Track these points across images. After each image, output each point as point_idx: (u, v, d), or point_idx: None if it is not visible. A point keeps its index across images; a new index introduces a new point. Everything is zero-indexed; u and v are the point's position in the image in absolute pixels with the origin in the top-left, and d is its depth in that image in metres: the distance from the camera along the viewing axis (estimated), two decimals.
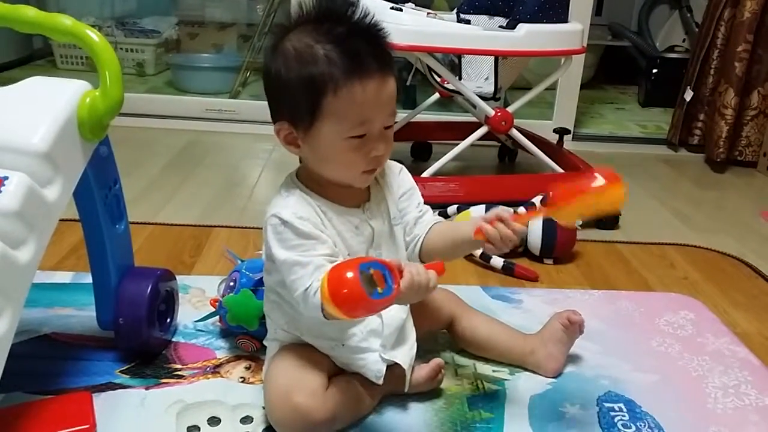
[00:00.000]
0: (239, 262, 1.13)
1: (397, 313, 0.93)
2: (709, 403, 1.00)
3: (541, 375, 1.04)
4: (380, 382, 0.90)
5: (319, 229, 0.85)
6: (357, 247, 0.90)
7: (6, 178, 0.76)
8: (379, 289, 0.73)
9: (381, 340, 0.91)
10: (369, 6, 0.86)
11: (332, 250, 0.85)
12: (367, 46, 0.82)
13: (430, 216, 0.98)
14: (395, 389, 0.94)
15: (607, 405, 0.98)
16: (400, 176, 0.97)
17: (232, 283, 1.08)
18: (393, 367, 0.92)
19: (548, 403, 0.98)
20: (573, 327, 1.04)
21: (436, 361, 0.97)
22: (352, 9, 0.84)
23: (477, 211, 1.47)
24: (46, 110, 0.83)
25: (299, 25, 0.84)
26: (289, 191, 0.88)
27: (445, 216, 1.50)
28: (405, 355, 0.93)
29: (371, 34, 0.83)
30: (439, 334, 1.10)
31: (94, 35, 0.86)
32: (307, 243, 0.83)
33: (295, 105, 0.84)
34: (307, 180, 0.89)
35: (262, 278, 1.04)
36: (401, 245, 0.95)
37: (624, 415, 0.96)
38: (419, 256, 0.96)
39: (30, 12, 0.86)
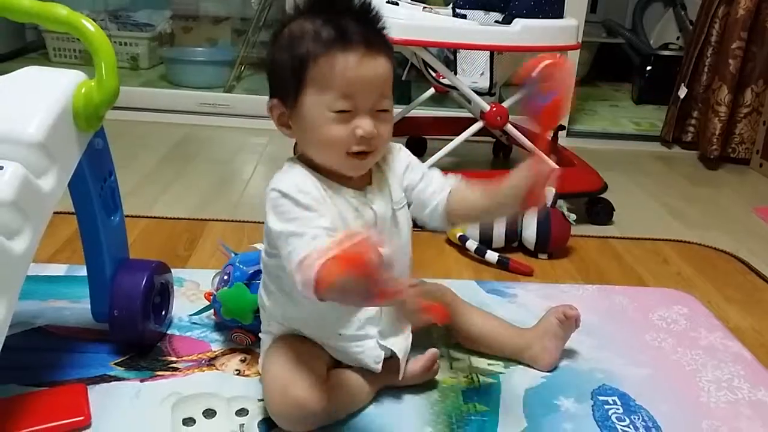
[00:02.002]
0: (233, 255, 1.13)
1: None
2: (702, 397, 1.01)
3: (536, 369, 1.04)
4: (378, 368, 0.91)
5: (320, 203, 0.84)
6: (357, 229, 0.87)
7: (0, 168, 0.76)
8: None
9: (378, 327, 0.91)
10: None
11: (332, 224, 0.82)
12: (357, 25, 0.82)
13: (439, 180, 0.95)
14: (391, 382, 0.95)
15: (601, 398, 0.99)
16: (399, 155, 0.95)
17: (226, 277, 1.07)
18: (389, 360, 0.92)
19: (543, 396, 0.98)
20: (569, 321, 1.04)
21: (430, 352, 0.97)
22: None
23: None
24: (41, 100, 0.82)
25: (298, 16, 0.85)
26: (291, 167, 0.87)
27: None
28: (401, 344, 0.94)
29: (365, 17, 0.84)
30: (433, 328, 1.10)
31: (89, 25, 0.85)
32: (307, 214, 0.81)
33: (283, 81, 0.85)
34: (308, 161, 0.88)
35: (255, 272, 1.04)
36: (404, 230, 0.94)
37: (618, 409, 0.97)
38: (447, 220, 0.94)
39: (25, 1, 0.86)
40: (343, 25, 0.82)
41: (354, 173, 0.88)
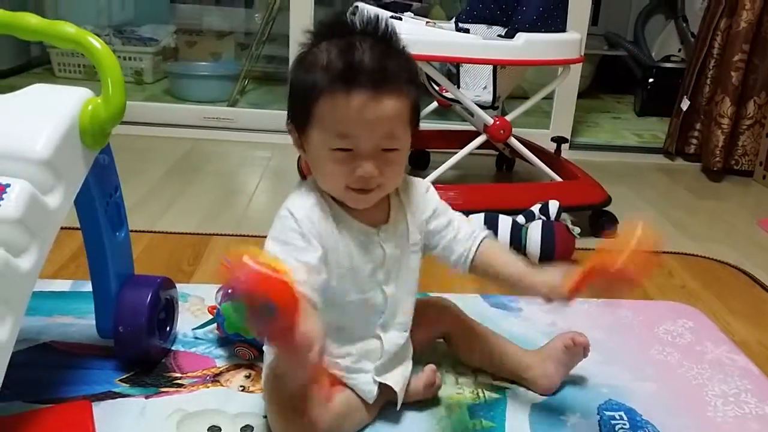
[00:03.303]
0: None
1: (396, 339, 0.92)
2: (709, 412, 1.01)
3: (533, 391, 1.02)
4: (371, 402, 0.90)
5: (327, 235, 0.84)
6: (362, 266, 0.87)
7: (8, 185, 0.76)
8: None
9: (374, 363, 0.91)
10: (370, 15, 0.86)
11: (317, 263, 0.82)
12: (370, 58, 0.79)
13: (467, 228, 0.94)
14: (394, 400, 0.94)
15: (607, 413, 0.98)
16: (426, 197, 0.94)
17: (230, 291, 1.07)
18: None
19: (549, 412, 0.98)
20: (576, 349, 1.02)
21: (429, 367, 0.96)
22: (372, 21, 0.83)
23: (476, 219, 1.47)
24: (48, 118, 0.83)
25: (322, 39, 0.84)
26: (310, 191, 0.86)
27: None
28: (398, 376, 0.93)
29: (382, 46, 0.82)
30: (438, 344, 1.10)
31: (96, 42, 0.86)
32: (299, 244, 0.82)
33: (296, 108, 0.85)
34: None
35: None
36: (413, 271, 0.93)
37: (624, 424, 0.96)
38: (470, 270, 0.94)
39: (32, 19, 0.86)
40: (353, 60, 0.79)
41: (356, 206, 0.86)
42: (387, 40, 0.83)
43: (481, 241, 0.94)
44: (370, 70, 0.79)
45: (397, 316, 0.92)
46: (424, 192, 0.94)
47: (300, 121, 0.84)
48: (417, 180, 0.95)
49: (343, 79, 0.79)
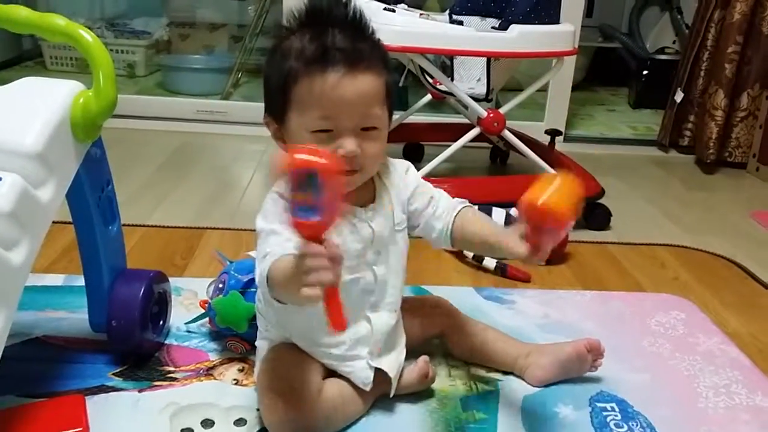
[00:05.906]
0: (228, 263, 1.13)
1: (386, 320, 0.93)
2: (700, 403, 1.01)
3: (524, 381, 1.02)
4: (368, 388, 0.91)
5: None
6: (352, 245, 0.88)
7: None
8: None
9: (368, 348, 0.91)
10: (362, 6, 0.86)
11: None
12: (343, 41, 0.81)
13: (446, 203, 0.95)
14: (388, 391, 0.94)
15: (599, 405, 0.99)
16: (406, 177, 0.95)
17: (221, 285, 1.07)
18: (384, 371, 0.92)
19: (541, 403, 0.98)
20: (587, 357, 1.01)
21: (422, 359, 0.97)
22: (341, 7, 0.84)
23: None
24: (39, 111, 0.82)
25: (292, 32, 0.85)
26: None
27: None
28: (392, 362, 0.93)
29: (354, 31, 0.83)
30: (430, 339, 1.09)
31: (87, 35, 0.86)
32: None
33: (272, 98, 0.86)
34: None
35: (250, 280, 1.04)
36: (400, 252, 0.94)
37: (616, 415, 0.97)
38: (452, 244, 0.94)
39: (23, 12, 0.86)
40: (326, 43, 0.81)
41: None
42: (357, 24, 0.85)
43: (457, 214, 0.94)
44: (344, 50, 0.81)
45: (387, 296, 0.93)
46: (404, 172, 0.95)
47: (278, 110, 0.85)
48: (398, 161, 0.96)
49: (319, 61, 0.80)
